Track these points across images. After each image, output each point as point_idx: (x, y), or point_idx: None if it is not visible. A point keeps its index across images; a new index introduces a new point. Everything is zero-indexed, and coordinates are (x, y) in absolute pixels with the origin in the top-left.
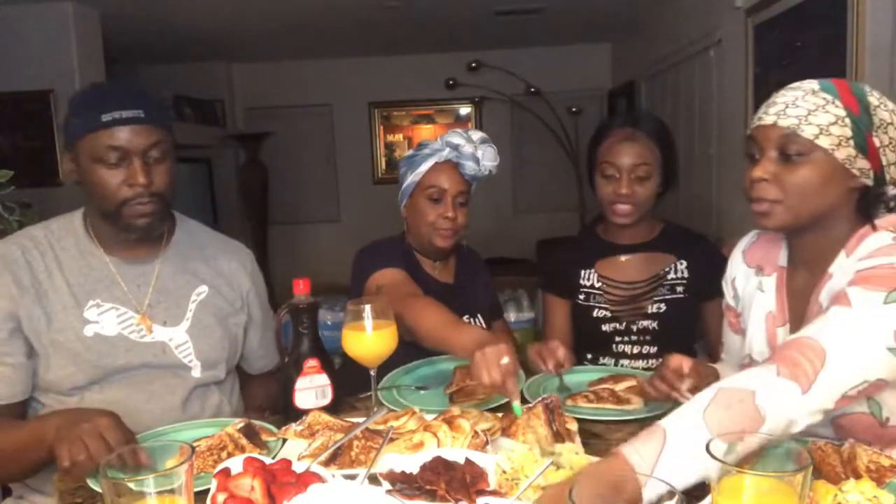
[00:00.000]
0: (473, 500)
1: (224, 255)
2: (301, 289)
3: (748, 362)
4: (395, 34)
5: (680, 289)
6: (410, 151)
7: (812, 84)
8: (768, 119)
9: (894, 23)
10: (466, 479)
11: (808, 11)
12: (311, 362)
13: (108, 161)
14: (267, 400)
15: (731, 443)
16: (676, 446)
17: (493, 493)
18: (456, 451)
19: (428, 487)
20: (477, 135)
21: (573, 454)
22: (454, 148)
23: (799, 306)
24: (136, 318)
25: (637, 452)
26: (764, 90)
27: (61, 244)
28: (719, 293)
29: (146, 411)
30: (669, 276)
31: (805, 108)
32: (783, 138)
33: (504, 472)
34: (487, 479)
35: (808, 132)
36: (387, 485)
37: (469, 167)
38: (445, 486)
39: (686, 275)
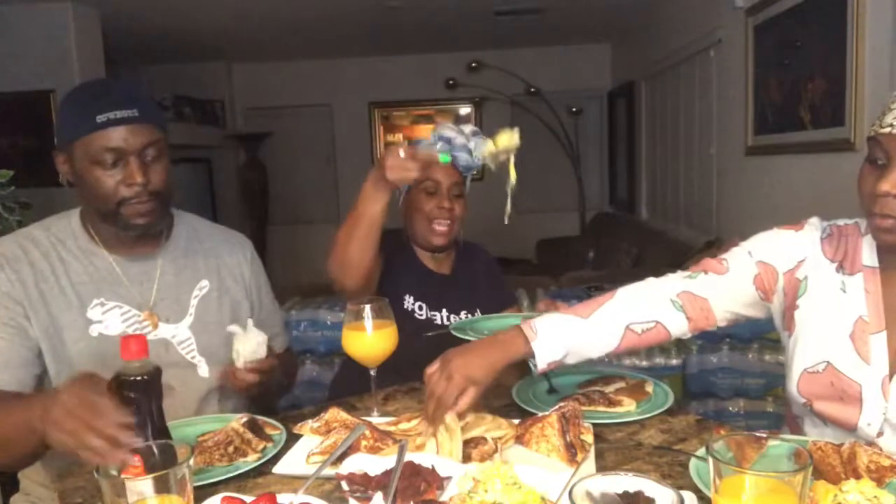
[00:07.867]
0: None
1: (224, 246)
2: (132, 351)
3: (821, 369)
4: (395, 34)
5: None
6: None
7: None
8: None
9: (894, 23)
10: (420, 487)
11: (808, 11)
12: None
13: (105, 162)
14: (285, 377)
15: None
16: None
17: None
18: (427, 456)
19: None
20: (468, 128)
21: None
22: (447, 141)
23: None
24: (141, 315)
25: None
26: (764, 90)
27: (64, 245)
28: None
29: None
30: None
31: None
32: None
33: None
34: (438, 490)
35: None
36: (344, 485)
37: (462, 158)
38: (397, 492)
39: None
